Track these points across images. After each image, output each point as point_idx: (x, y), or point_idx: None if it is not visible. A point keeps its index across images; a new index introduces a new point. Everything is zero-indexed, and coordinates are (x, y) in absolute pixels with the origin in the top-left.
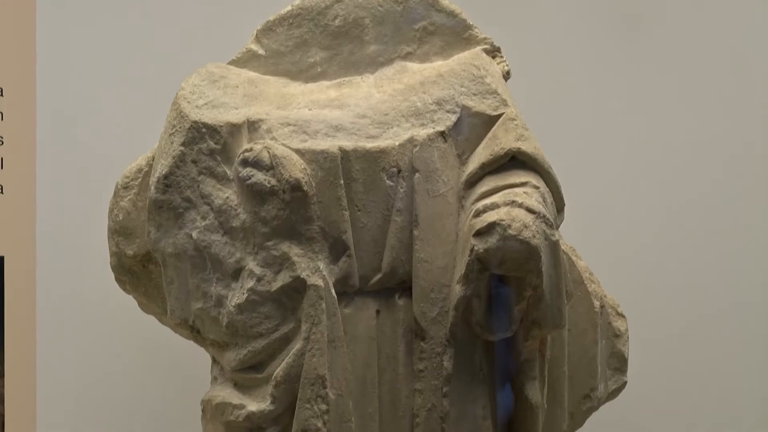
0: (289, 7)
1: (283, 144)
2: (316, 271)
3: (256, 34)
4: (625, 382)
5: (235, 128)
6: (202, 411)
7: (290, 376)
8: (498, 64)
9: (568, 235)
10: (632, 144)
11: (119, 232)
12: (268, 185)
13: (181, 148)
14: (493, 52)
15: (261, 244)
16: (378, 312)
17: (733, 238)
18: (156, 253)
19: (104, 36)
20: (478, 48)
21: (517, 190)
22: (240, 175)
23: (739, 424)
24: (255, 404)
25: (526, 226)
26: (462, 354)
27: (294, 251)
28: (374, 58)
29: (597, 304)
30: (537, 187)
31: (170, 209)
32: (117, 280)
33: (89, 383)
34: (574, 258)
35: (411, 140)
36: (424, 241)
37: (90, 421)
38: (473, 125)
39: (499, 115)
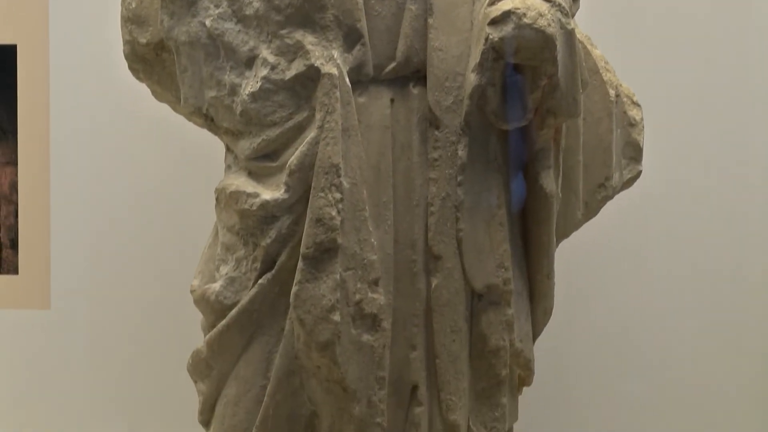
0: None
1: None
2: (330, 59)
3: None
4: (640, 171)
5: None
6: (216, 199)
7: (304, 164)
8: None
9: (583, 25)
10: None
11: (132, 20)
12: None
13: None
14: None
15: (275, 32)
16: (392, 100)
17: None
18: (169, 41)
19: None
20: None
21: None
22: None
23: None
24: (269, 193)
25: (541, 15)
26: (476, 143)
27: (308, 39)
28: None
29: (612, 92)
30: None
31: None
32: (130, 68)
33: (103, 170)
34: (589, 47)
35: None
36: (439, 29)
37: (102, 209)
38: None
39: None
